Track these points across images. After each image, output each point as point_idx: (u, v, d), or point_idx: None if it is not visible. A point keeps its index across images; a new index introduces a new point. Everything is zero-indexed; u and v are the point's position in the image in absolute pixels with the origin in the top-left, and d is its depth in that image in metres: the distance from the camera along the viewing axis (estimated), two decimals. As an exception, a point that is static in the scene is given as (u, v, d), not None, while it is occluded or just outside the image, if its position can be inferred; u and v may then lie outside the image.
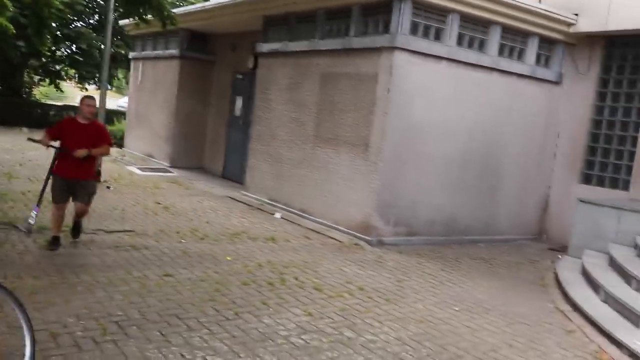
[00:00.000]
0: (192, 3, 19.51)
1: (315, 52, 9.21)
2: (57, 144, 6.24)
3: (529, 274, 7.34)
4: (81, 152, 6.07)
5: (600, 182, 9.06)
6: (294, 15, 9.74)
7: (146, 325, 4.39)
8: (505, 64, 8.75)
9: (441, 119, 8.26)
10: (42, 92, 26.26)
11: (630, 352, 4.71)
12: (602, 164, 9.09)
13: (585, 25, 8.94)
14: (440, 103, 8.22)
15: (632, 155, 8.64)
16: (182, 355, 3.95)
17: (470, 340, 4.82)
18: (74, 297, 4.80)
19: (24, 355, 3.20)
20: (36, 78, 24.05)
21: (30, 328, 3.24)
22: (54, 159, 6.25)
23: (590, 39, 9.16)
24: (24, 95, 22.91)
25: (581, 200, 7.89)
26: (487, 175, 8.92)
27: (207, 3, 12.96)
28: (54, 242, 6.14)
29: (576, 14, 8.98)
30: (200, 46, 13.86)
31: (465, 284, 6.51)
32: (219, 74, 13.76)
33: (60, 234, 6.27)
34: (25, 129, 19.00)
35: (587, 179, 9.24)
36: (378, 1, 8.06)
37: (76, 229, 6.50)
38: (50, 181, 6.26)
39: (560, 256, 8.08)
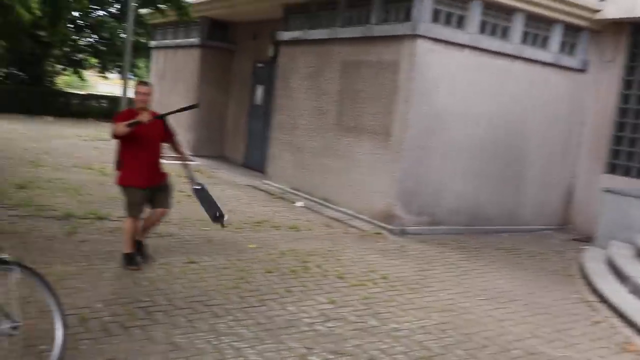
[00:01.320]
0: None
1: (336, 40, 9.17)
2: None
3: (553, 264, 7.28)
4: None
5: (627, 172, 8.90)
6: (314, 3, 9.69)
7: (173, 311, 4.45)
8: (529, 52, 8.63)
9: (464, 107, 8.18)
10: (65, 81, 26.52)
11: (658, 343, 4.67)
12: (628, 154, 8.95)
13: (611, 11, 8.76)
14: (462, 91, 8.13)
15: (659, 144, 8.50)
16: (209, 342, 3.99)
17: (494, 330, 4.81)
18: (101, 283, 4.88)
19: (54, 338, 3.27)
20: (59, 67, 24.27)
21: (60, 312, 3.31)
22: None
23: (616, 26, 8.98)
24: (48, 85, 23.17)
25: (607, 190, 7.78)
26: (510, 165, 8.83)
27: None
28: (135, 260, 5.39)
29: (602, 0, 8.82)
30: (221, 35, 13.89)
31: (489, 274, 6.48)
32: (239, 63, 13.78)
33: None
34: (50, 118, 19.27)
35: (612, 169, 9.10)
36: (401, -12, 8.00)
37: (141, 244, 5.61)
38: (125, 195, 5.45)
39: (584, 247, 7.99)
